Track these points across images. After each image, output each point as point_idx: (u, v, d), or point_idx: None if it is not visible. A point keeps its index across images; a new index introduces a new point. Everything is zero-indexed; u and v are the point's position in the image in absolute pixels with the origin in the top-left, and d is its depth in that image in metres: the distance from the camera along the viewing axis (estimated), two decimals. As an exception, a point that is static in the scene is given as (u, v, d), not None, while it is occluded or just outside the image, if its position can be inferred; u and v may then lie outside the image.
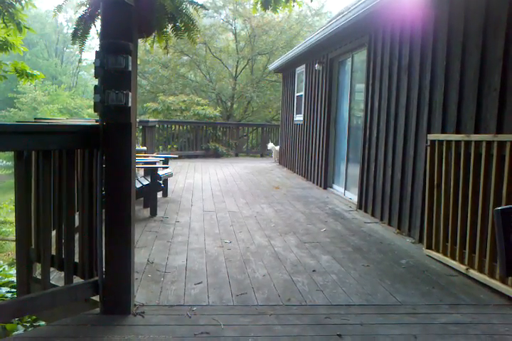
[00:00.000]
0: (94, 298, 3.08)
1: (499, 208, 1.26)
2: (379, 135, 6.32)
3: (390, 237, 5.29)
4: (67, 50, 45.26)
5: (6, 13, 6.29)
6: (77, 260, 3.06)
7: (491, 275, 3.67)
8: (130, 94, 2.89)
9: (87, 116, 28.74)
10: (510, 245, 1.24)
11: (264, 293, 3.51)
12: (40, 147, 2.87)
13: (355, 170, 7.39)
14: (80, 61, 43.72)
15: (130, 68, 2.88)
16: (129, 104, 2.89)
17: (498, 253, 1.24)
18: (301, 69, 11.21)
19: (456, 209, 4.17)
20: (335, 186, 8.74)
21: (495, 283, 3.61)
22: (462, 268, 4.01)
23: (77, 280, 3.05)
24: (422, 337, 2.86)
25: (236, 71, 22.49)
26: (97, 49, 2.89)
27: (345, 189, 8.05)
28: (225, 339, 2.76)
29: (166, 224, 5.67)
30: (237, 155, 16.53)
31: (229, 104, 22.46)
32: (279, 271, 4.00)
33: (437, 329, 2.99)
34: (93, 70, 2.91)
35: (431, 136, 4.63)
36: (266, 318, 3.08)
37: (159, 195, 7.03)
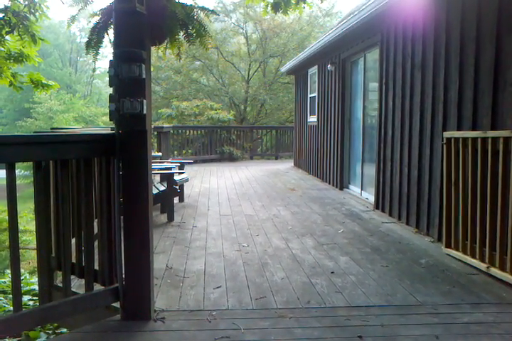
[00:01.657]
0: (114, 304, 3.11)
1: None
2: (394, 134, 6.29)
3: (408, 237, 5.26)
4: (81, 59, 45.76)
5: (20, 26, 6.37)
6: (97, 267, 3.09)
7: (513, 273, 3.63)
8: (145, 101, 2.92)
9: (103, 124, 29.02)
10: None
11: (283, 296, 3.51)
12: (58, 157, 2.91)
13: (371, 170, 7.36)
14: (93, 70, 44.19)
15: (144, 76, 2.91)
16: (144, 112, 2.92)
17: None
18: (313, 70, 11.20)
19: (474, 206, 4.14)
20: (351, 186, 8.71)
21: (517, 281, 3.57)
22: (483, 266, 3.97)
23: (97, 287, 3.08)
24: (444, 337, 2.84)
25: (248, 74, 22.56)
26: (111, 58, 2.93)
27: (362, 189, 8.02)
28: (244, 344, 2.77)
29: (184, 229, 5.70)
30: (251, 158, 16.55)
31: (242, 107, 22.53)
32: (297, 274, 4.00)
33: (459, 329, 2.97)
34: (107, 78, 2.95)
35: (447, 134, 4.59)
36: (286, 321, 3.08)
37: (176, 200, 7.07)
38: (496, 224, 3.82)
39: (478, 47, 4.41)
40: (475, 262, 4.10)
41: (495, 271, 3.82)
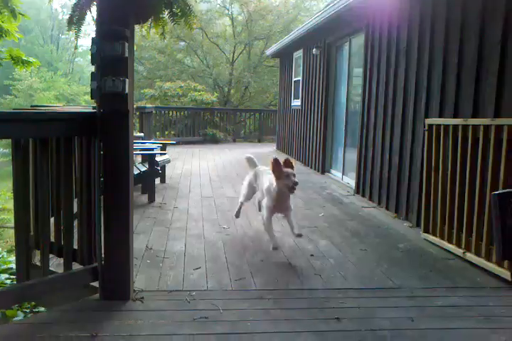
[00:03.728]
0: (93, 284, 3.10)
1: (496, 192, 1.26)
2: (377, 119, 6.32)
3: (387, 221, 5.32)
4: (63, 37, 44.80)
5: (-1, -1, 6.22)
6: (76, 246, 3.08)
7: (488, 258, 3.71)
8: (127, 80, 2.88)
9: (84, 103, 28.59)
10: (506, 228, 1.25)
11: (263, 277, 3.54)
12: (37, 135, 2.87)
13: (353, 155, 7.39)
14: (75, 47, 43.33)
15: (127, 54, 2.86)
16: (126, 91, 2.88)
17: (495, 237, 1.25)
18: (298, 53, 11.14)
19: (453, 193, 4.19)
20: (333, 171, 8.76)
21: (491, 266, 3.64)
22: (459, 251, 4.05)
23: (76, 266, 3.07)
24: (419, 320, 2.90)
25: (233, 56, 22.34)
26: (93, 35, 2.87)
27: (343, 174, 8.07)
28: (223, 324, 2.79)
29: (165, 210, 5.69)
30: (234, 140, 16.51)
31: (226, 89, 22.34)
32: (277, 256, 4.03)
33: (434, 311, 3.03)
34: (89, 57, 2.89)
35: (429, 121, 4.63)
36: (264, 302, 3.11)
37: (157, 181, 7.04)
38: (474, 211, 3.88)
39: (463, 36, 4.41)
40: (452, 247, 4.17)
41: (470, 256, 3.90)
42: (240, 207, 4.95)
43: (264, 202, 4.30)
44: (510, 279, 3.43)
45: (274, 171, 4.06)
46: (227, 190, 7.07)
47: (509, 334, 2.69)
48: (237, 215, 4.95)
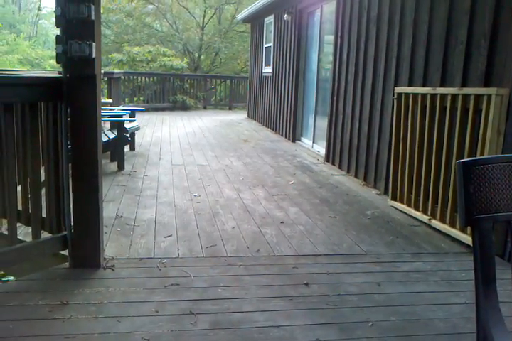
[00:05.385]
0: (63, 252, 3.08)
1: (461, 161, 1.29)
2: (347, 88, 6.32)
3: (356, 189, 5.40)
4: (25, -3, 42.95)
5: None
6: (44, 215, 3.04)
7: (452, 225, 3.82)
8: (94, 44, 2.78)
9: (50, 68, 27.68)
10: (469, 196, 1.28)
11: (234, 244, 3.57)
12: (0, 100, 2.77)
13: (323, 123, 7.42)
14: (39, 9, 41.63)
15: (93, 17, 2.76)
16: (93, 55, 2.80)
17: (458, 204, 1.28)
18: (269, 19, 10.96)
19: (420, 161, 4.26)
20: (303, 139, 8.79)
21: (455, 233, 3.76)
22: (425, 218, 4.15)
23: (45, 235, 3.04)
24: (385, 285, 2.98)
25: (203, 21, 21.85)
26: (57, -4, 2.75)
27: (314, 142, 8.11)
28: (195, 290, 2.82)
29: (134, 177, 5.64)
30: (205, 107, 16.35)
31: (196, 55, 21.95)
32: (247, 223, 4.07)
33: (400, 276, 3.13)
34: (54, 19, 2.78)
35: (398, 89, 4.65)
36: (235, 269, 3.15)
37: (126, 148, 6.95)
38: (440, 179, 3.96)
39: (433, 4, 4.39)
40: (418, 214, 4.27)
41: (436, 223, 4.00)
42: None
43: None
44: (472, 245, 3.54)
45: None
46: (197, 157, 7.04)
47: (469, 296, 2.80)
48: None
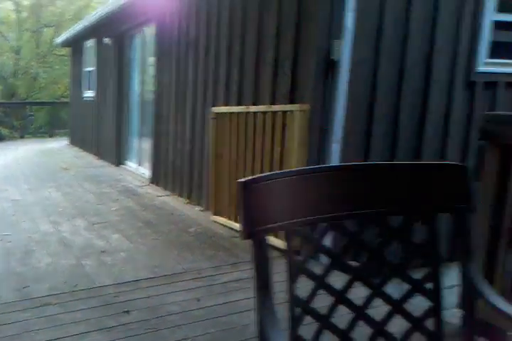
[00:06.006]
0: None
1: (242, 180, 1.36)
2: (169, 108, 6.40)
3: (180, 208, 5.47)
4: None
5: None
6: None
7: (266, 232, 4.04)
8: None
9: None
10: (249, 211, 1.36)
11: (49, 282, 3.36)
12: None
13: (148, 145, 7.39)
14: None
15: None
16: None
17: (239, 219, 1.36)
18: (90, 42, 10.69)
19: (237, 176, 4.46)
20: (128, 162, 8.66)
21: (270, 239, 3.98)
22: (243, 229, 4.34)
23: None
24: (205, 299, 3.05)
25: (19, 45, 20.48)
26: None
27: (139, 165, 8.04)
28: (4, 340, 2.60)
29: None
30: (22, 137, 15.28)
31: (11, 81, 20.44)
32: (65, 258, 3.87)
33: (220, 288, 3.23)
34: None
35: (215, 109, 4.86)
36: (50, 309, 2.97)
37: None
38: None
39: (244, 29, 4.61)
40: (237, 226, 4.45)
41: (253, 232, 4.21)
42: None
43: None
44: (252, 255, 3.78)
45: None
46: (11, 192, 6.52)
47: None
48: None
